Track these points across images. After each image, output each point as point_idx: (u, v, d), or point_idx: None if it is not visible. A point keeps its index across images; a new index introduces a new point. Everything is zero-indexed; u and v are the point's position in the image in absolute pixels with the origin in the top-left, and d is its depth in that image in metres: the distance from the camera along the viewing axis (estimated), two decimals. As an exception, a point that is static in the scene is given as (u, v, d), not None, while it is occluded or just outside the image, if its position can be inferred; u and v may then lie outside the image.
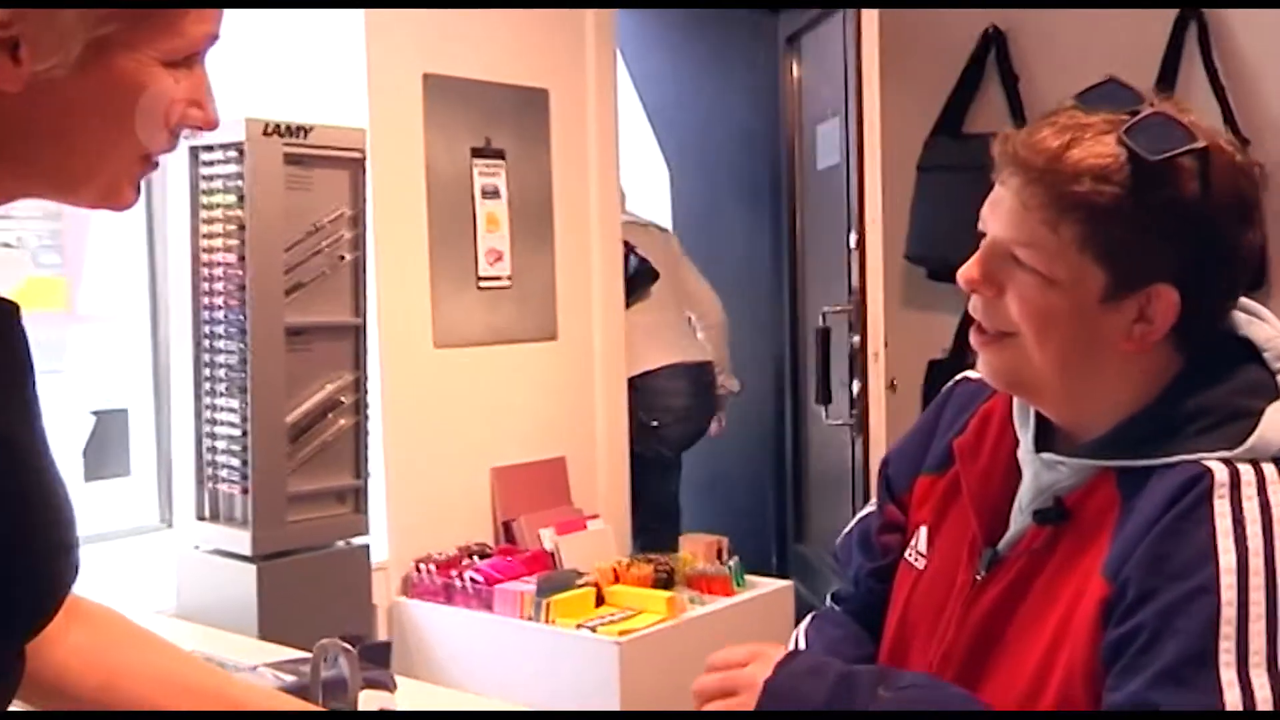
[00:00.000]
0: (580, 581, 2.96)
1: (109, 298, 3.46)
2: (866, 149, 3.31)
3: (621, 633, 2.76)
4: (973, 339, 1.25)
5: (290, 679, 1.54)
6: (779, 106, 4.38)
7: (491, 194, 3.29)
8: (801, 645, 1.45)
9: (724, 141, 4.75)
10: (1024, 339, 1.19)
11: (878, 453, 3.45)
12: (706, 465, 4.40)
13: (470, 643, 2.94)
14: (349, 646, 1.49)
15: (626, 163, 3.84)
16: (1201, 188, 1.13)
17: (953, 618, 1.26)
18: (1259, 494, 1.09)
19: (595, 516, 3.39)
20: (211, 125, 1.00)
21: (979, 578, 1.24)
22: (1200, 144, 1.13)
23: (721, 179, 4.60)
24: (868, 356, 3.39)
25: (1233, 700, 1.02)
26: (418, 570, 3.02)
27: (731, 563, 3.12)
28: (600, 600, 2.94)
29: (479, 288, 3.26)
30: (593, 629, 2.79)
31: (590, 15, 3.52)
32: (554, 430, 3.45)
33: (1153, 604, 1.07)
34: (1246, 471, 1.11)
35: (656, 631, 2.78)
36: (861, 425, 3.42)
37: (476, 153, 3.25)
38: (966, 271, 1.20)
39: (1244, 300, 1.24)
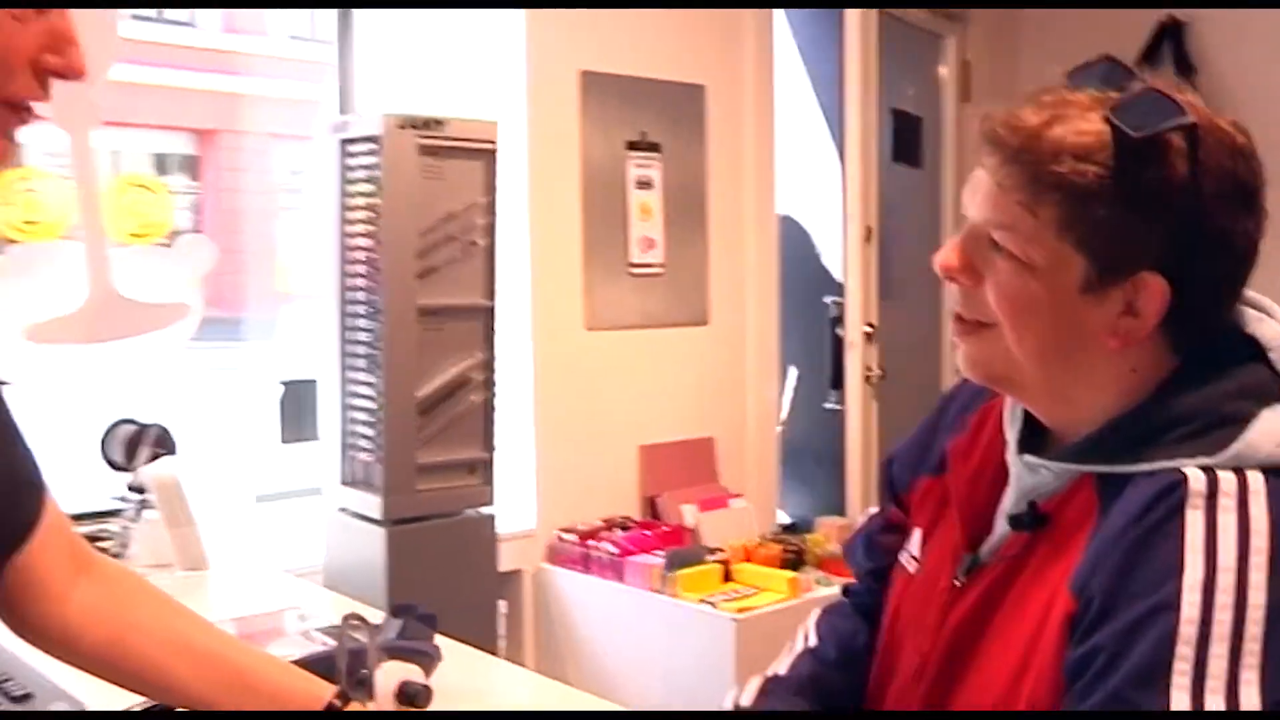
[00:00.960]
0: (710, 558, 2.83)
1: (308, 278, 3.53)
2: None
3: (740, 610, 2.63)
4: (952, 330, 1.09)
5: (323, 646, 1.47)
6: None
7: (645, 185, 3.18)
8: (811, 637, 1.33)
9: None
10: (1002, 329, 1.03)
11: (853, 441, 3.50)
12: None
13: (603, 610, 2.87)
14: (366, 621, 1.41)
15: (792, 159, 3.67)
16: (1191, 168, 0.95)
17: (932, 624, 1.11)
18: (1238, 505, 0.91)
19: (739, 495, 3.27)
20: (76, 73, 0.89)
21: (958, 584, 1.10)
22: (1189, 119, 0.94)
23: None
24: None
25: None
26: (560, 539, 2.97)
27: (864, 549, 2.93)
28: (728, 577, 2.80)
29: (631, 274, 3.17)
30: (714, 604, 2.67)
31: (749, 14, 3.37)
32: (703, 411, 3.33)
33: (1113, 623, 0.91)
34: (1227, 480, 0.93)
35: (775, 610, 2.64)
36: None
37: (632, 145, 3.16)
38: (943, 258, 1.05)
39: (1252, 295, 1.05)
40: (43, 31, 0.87)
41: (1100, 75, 1.02)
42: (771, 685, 1.26)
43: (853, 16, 3.38)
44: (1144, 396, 1.01)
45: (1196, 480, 0.93)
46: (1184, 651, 0.88)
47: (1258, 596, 0.88)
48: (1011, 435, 1.10)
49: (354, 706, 1.18)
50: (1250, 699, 0.87)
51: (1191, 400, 0.99)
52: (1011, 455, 1.09)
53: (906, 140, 3.75)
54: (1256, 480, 0.93)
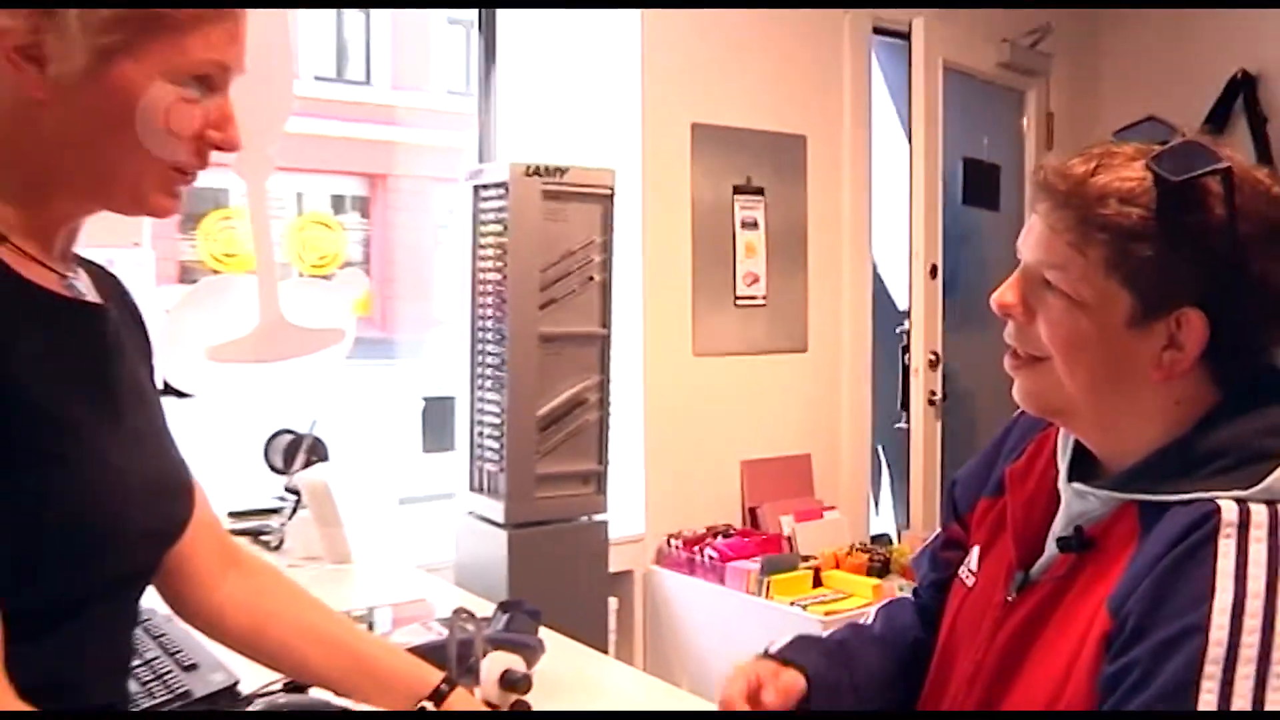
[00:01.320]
0: (803, 565, 2.81)
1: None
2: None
3: (828, 612, 2.62)
4: (1007, 364, 1.09)
5: (439, 635, 1.50)
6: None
7: (750, 225, 3.19)
8: (869, 617, 1.35)
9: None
10: (1054, 363, 1.03)
11: (916, 458, 3.47)
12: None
13: (705, 610, 2.87)
14: (474, 615, 1.43)
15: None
16: (1228, 211, 0.95)
17: (985, 635, 1.11)
18: (1269, 536, 0.90)
19: (833, 508, 3.23)
20: (233, 147, 0.94)
21: (1010, 599, 1.09)
22: (1224, 165, 0.94)
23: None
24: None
25: None
26: (668, 544, 2.98)
27: (945, 559, 2.87)
28: (818, 582, 2.78)
29: (736, 305, 3.17)
30: (804, 606, 2.65)
31: (847, 70, 3.36)
32: (801, 430, 3.32)
33: (1146, 642, 0.90)
34: (1259, 512, 0.91)
35: (859, 612, 2.58)
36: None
37: (738, 190, 3.17)
38: (1000, 296, 1.06)
39: None
40: (208, 111, 0.91)
41: (1144, 132, 1.04)
42: (803, 638, 1.26)
43: (918, 72, 3.37)
44: (1186, 429, 1.00)
45: (1229, 511, 0.91)
46: (1211, 670, 0.87)
47: None
48: (1063, 464, 1.09)
49: (459, 691, 1.21)
50: None
51: (1227, 436, 0.97)
52: (1062, 482, 1.08)
53: (980, 185, 3.68)
54: None
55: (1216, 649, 0.87)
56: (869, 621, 1.33)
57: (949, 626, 1.20)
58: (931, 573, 1.29)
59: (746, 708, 1.14)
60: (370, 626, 1.75)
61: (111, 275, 1.08)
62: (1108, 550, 1.00)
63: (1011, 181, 3.86)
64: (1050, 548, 1.08)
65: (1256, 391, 0.99)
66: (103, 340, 0.98)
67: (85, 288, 0.99)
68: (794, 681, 1.17)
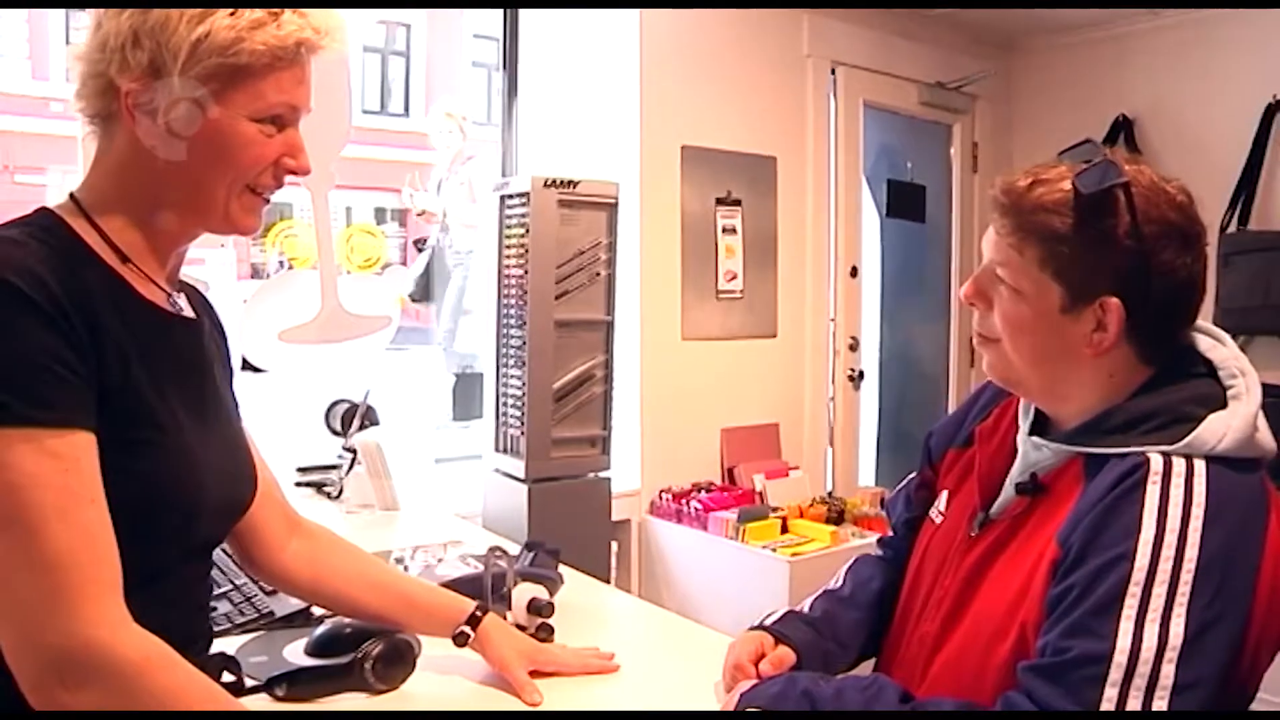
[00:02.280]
0: (772, 515, 2.80)
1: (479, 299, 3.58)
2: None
3: (794, 554, 2.60)
4: (975, 344, 1.11)
5: (475, 569, 1.48)
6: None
7: (730, 231, 3.16)
8: (839, 579, 1.33)
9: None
10: (1004, 343, 1.05)
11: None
12: (899, 429, 4.08)
13: (690, 553, 2.86)
14: (506, 552, 1.42)
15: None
16: (1131, 216, 0.97)
17: (952, 564, 1.11)
18: (1185, 484, 0.92)
19: (797, 468, 3.22)
20: (305, 172, 0.96)
21: (972, 535, 1.10)
22: (1124, 179, 0.96)
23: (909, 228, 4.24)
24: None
25: (1121, 646, 0.86)
26: (659, 497, 2.96)
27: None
28: (785, 529, 2.77)
29: (718, 298, 3.15)
30: (774, 550, 2.63)
31: (810, 103, 3.34)
32: (771, 403, 3.30)
33: (1084, 567, 0.92)
34: (1179, 465, 0.93)
35: (819, 555, 2.61)
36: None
37: (719, 201, 3.14)
38: (965, 290, 1.08)
39: (1209, 326, 1.05)
40: (282, 143, 0.94)
41: (1083, 151, 1.04)
42: (792, 615, 1.26)
43: (842, 110, 3.42)
44: (1122, 397, 1.01)
45: (1156, 463, 0.93)
46: (1134, 590, 0.88)
47: (1192, 552, 0.89)
48: (1024, 423, 1.11)
49: (491, 616, 1.21)
50: (1178, 628, 0.87)
51: (1158, 402, 0.98)
52: (1022, 437, 1.10)
53: (904, 202, 3.72)
54: (1201, 467, 0.93)
55: (1139, 573, 0.88)
56: (839, 585, 1.32)
57: (919, 558, 1.20)
58: (905, 511, 1.29)
59: (754, 670, 1.16)
60: (403, 564, 1.72)
61: (202, 294, 1.10)
62: (1057, 494, 1.02)
63: (941, 200, 3.87)
64: (1008, 491, 1.09)
65: (1178, 370, 1.01)
66: (197, 352, 1.00)
67: (185, 305, 1.01)
68: (786, 655, 1.19)
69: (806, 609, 1.28)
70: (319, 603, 1.24)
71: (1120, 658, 0.86)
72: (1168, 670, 0.85)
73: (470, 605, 1.21)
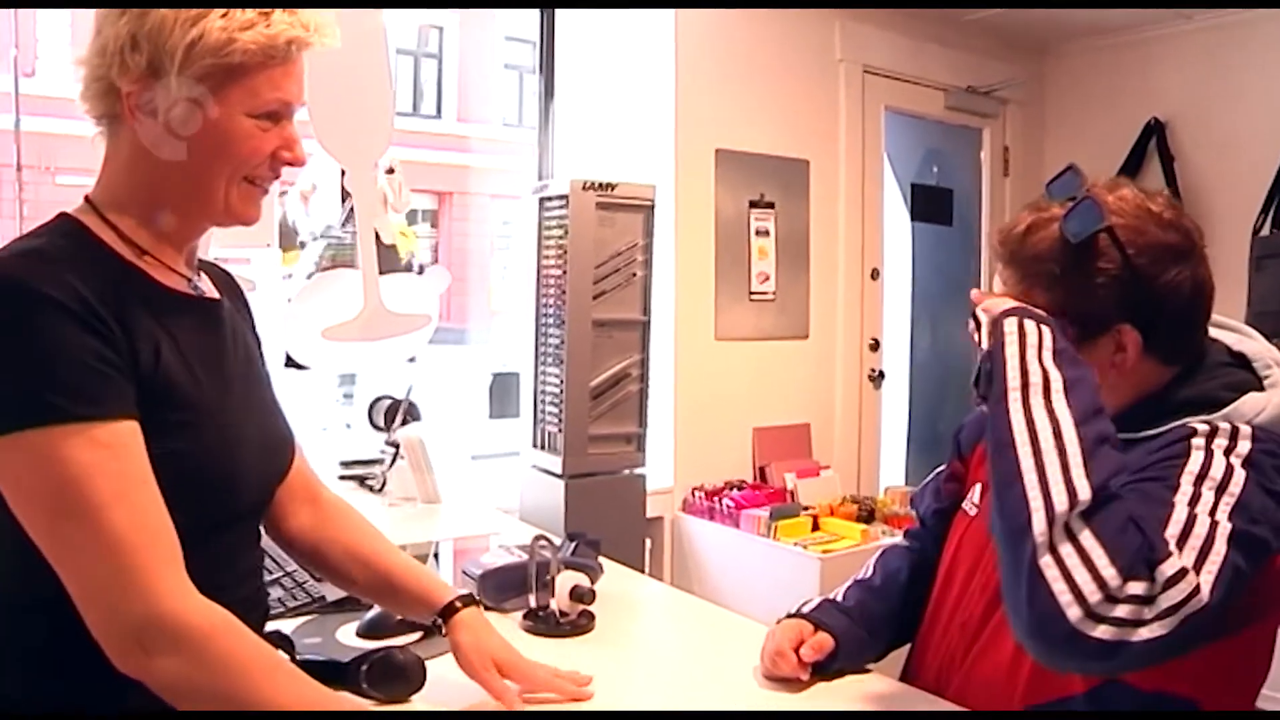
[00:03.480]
0: (804, 513, 2.83)
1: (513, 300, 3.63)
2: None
3: (824, 551, 2.63)
4: None
5: (519, 558, 1.52)
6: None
7: (763, 233, 3.20)
8: (869, 569, 1.36)
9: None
10: None
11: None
12: (930, 429, 4.09)
13: (723, 549, 2.89)
14: (551, 541, 1.46)
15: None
16: (1120, 252, 1.00)
17: (990, 554, 1.12)
18: (1230, 441, 0.96)
19: (827, 467, 3.25)
20: (301, 163, 1.00)
21: None
22: (1106, 224, 0.99)
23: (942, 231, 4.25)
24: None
25: (1175, 523, 0.89)
26: (692, 495, 3.00)
27: (920, 509, 2.89)
28: (816, 527, 2.81)
29: (750, 299, 3.18)
30: (805, 547, 2.67)
31: (843, 108, 3.36)
32: (802, 403, 3.33)
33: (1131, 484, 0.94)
34: (1224, 427, 0.97)
35: (849, 553, 2.63)
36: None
37: (753, 204, 3.18)
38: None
39: (1235, 323, 1.09)
40: (278, 136, 0.98)
41: (1065, 182, 1.06)
42: (827, 603, 1.30)
43: (869, 117, 3.42)
44: (1152, 390, 1.04)
45: (1202, 427, 0.97)
46: (1185, 485, 0.92)
47: (1239, 475, 0.92)
48: None
49: (471, 609, 1.14)
50: (1223, 521, 0.89)
51: (1195, 391, 1.02)
52: None
53: (929, 206, 3.75)
54: (1245, 430, 0.96)
55: (1183, 496, 0.91)
56: (869, 574, 1.35)
57: (953, 550, 1.23)
58: (934, 503, 1.32)
59: (794, 656, 1.19)
60: (433, 557, 1.73)
61: (225, 272, 1.14)
62: None
63: (972, 204, 3.88)
64: None
65: (1207, 365, 1.04)
66: (220, 329, 1.04)
67: (206, 286, 1.05)
68: (825, 640, 1.22)
69: (840, 598, 1.32)
70: (320, 573, 1.23)
71: (1175, 527, 0.88)
72: (1219, 547, 0.87)
73: (451, 595, 1.15)
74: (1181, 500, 0.90)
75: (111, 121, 0.96)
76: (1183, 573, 0.85)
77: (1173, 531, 0.88)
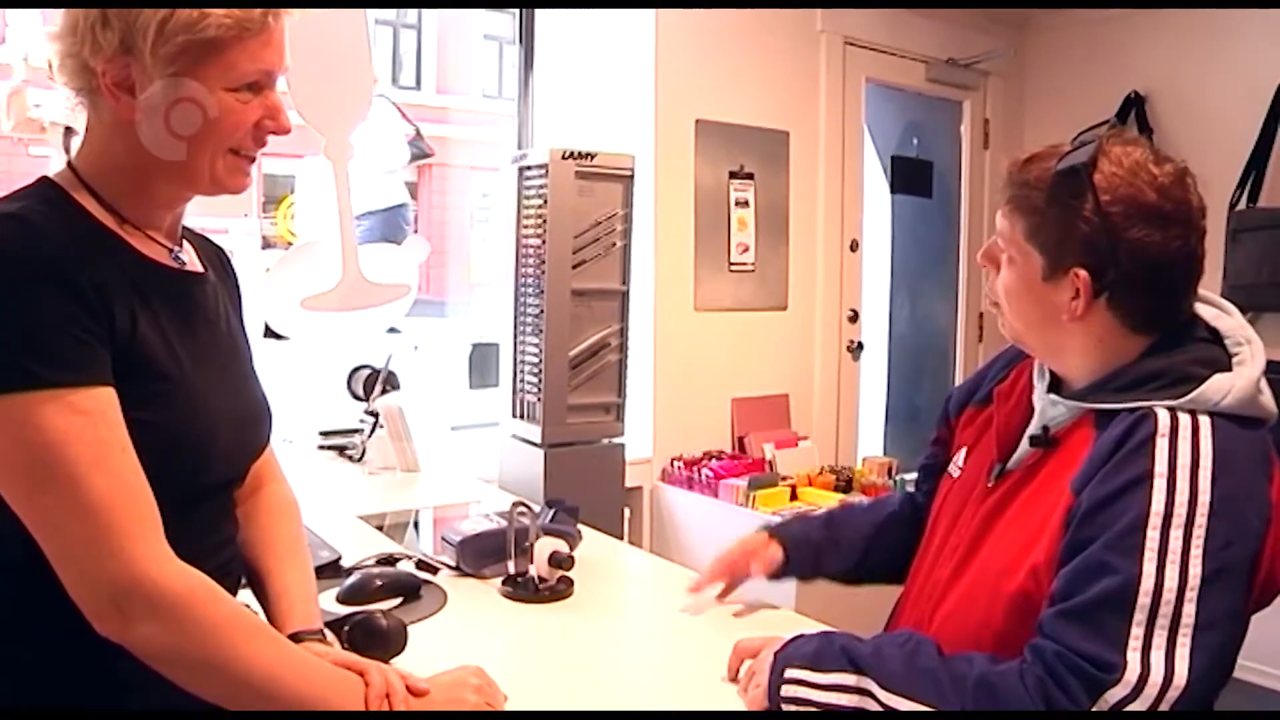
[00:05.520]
0: (782, 483, 2.85)
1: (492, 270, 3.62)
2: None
3: (802, 520, 2.64)
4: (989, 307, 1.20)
5: (498, 524, 1.53)
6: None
7: (742, 204, 3.20)
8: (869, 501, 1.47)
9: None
10: (1003, 306, 1.14)
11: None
12: (909, 401, 4.12)
13: (701, 518, 2.91)
14: (530, 507, 1.47)
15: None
16: (1094, 196, 1.02)
17: (969, 513, 1.18)
18: (1192, 438, 0.97)
19: (805, 438, 3.27)
20: (285, 131, 0.98)
21: (989, 485, 1.16)
22: (1083, 159, 1.02)
23: (923, 204, 4.26)
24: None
25: (1145, 587, 0.91)
26: (671, 464, 3.01)
27: (898, 478, 2.92)
28: (794, 497, 2.83)
29: (730, 270, 3.19)
30: (782, 517, 2.66)
31: (823, 78, 3.35)
32: (781, 374, 3.34)
33: (1100, 514, 0.96)
34: (1185, 420, 0.98)
35: (828, 522, 2.64)
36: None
37: (733, 175, 3.17)
38: (979, 254, 1.16)
39: (1214, 297, 1.10)
40: (260, 106, 0.96)
41: (1091, 135, 1.08)
42: (797, 516, 1.42)
43: (847, 88, 3.41)
44: (1124, 361, 1.06)
45: (1163, 419, 0.98)
46: (1152, 534, 0.92)
47: (1205, 497, 0.93)
48: (1040, 383, 1.17)
49: (316, 644, 1.03)
50: (1196, 568, 0.90)
51: (1164, 363, 1.03)
52: (1038, 394, 1.16)
53: (909, 177, 3.76)
54: (1205, 422, 0.98)
55: (1155, 518, 0.92)
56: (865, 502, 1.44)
57: (936, 509, 1.28)
58: (926, 460, 1.39)
59: (722, 580, 1.34)
60: (413, 525, 1.75)
61: (210, 242, 1.13)
62: (1069, 447, 1.07)
63: (952, 176, 3.89)
64: (1024, 445, 1.15)
65: (1181, 337, 1.06)
66: (202, 302, 1.03)
67: (189, 258, 1.05)
68: (775, 554, 1.27)
69: (818, 513, 1.42)
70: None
71: (1145, 598, 0.89)
72: (1189, 610, 0.88)
73: (299, 626, 1.04)
74: (1149, 560, 0.90)
75: (91, 94, 0.95)
76: (1142, 680, 0.87)
77: (1139, 618, 0.89)
